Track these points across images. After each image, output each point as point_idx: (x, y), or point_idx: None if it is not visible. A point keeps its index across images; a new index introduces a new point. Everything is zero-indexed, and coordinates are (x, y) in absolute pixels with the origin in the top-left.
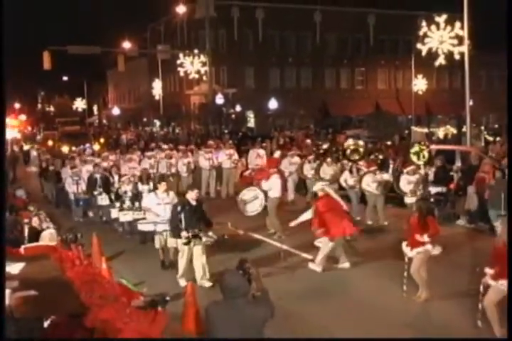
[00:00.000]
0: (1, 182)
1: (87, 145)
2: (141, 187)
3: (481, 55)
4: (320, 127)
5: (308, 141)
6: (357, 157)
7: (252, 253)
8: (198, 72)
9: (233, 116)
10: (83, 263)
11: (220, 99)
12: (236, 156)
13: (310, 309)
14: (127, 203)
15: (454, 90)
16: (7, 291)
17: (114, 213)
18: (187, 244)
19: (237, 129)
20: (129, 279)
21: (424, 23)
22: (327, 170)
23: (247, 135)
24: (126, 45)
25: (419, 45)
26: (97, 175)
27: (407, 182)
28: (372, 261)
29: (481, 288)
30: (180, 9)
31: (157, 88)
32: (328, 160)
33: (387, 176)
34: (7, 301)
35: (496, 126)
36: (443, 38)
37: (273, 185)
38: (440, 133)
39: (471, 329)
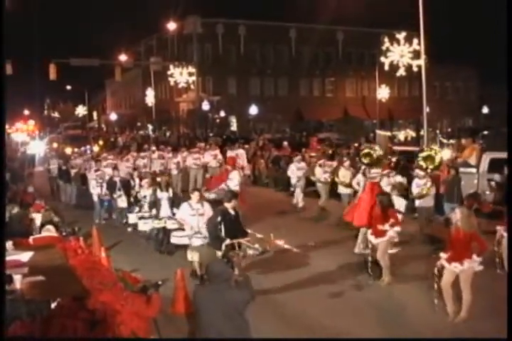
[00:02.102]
0: (1, 182)
1: (88, 146)
2: (160, 194)
3: (436, 67)
4: (295, 131)
5: (286, 143)
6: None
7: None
8: (187, 81)
9: (218, 120)
10: (84, 252)
11: (206, 106)
12: (220, 156)
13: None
14: (145, 209)
15: (412, 98)
16: (18, 276)
17: (132, 218)
18: (231, 248)
19: (221, 132)
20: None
21: (386, 39)
22: (345, 174)
23: (230, 137)
24: (123, 57)
25: (382, 58)
26: (117, 179)
27: (416, 186)
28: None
29: (436, 270)
30: (171, 26)
31: (150, 96)
32: (346, 163)
33: (400, 179)
34: (18, 285)
35: (449, 129)
36: (403, 52)
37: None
38: (401, 135)
39: (428, 307)
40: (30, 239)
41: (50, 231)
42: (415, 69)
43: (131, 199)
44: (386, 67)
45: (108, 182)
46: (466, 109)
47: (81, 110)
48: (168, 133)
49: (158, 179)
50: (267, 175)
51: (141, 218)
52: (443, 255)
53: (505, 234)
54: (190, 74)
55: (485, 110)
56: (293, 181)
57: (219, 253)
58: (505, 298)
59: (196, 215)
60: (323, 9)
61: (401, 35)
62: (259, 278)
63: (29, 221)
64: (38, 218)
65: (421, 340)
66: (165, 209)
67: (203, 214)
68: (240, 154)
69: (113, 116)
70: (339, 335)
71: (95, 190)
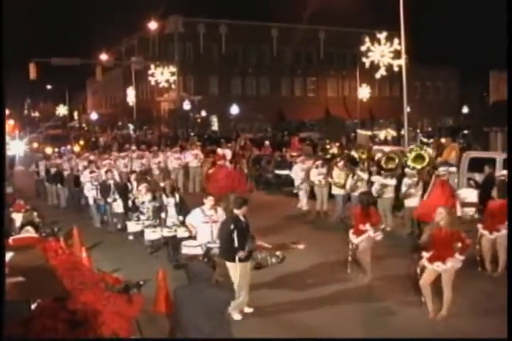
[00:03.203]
0: (1, 181)
1: (68, 146)
2: (165, 199)
3: (416, 68)
4: (276, 130)
5: (267, 142)
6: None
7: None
8: (168, 81)
9: (199, 120)
10: (65, 252)
11: (187, 105)
12: (201, 156)
13: None
14: (145, 216)
15: (393, 98)
16: None
17: (132, 227)
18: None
19: (203, 132)
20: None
21: (367, 39)
22: (339, 174)
23: (211, 137)
24: (104, 57)
25: (363, 58)
26: (111, 181)
27: (404, 185)
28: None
29: (418, 269)
30: (152, 25)
31: (131, 95)
32: (341, 164)
33: (391, 180)
34: None
35: (430, 129)
36: (384, 52)
37: None
38: (382, 135)
39: (409, 305)
40: (10, 240)
41: (29, 232)
42: (396, 69)
43: (130, 204)
44: (367, 67)
45: (101, 185)
46: (447, 108)
47: (62, 110)
48: (148, 133)
49: (162, 184)
50: (249, 175)
51: (148, 226)
52: (425, 254)
53: (484, 232)
54: (172, 73)
55: (465, 110)
56: (296, 183)
57: (230, 265)
58: (486, 295)
59: (210, 222)
60: (305, 9)
61: (382, 35)
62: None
63: (9, 221)
64: (18, 218)
65: (420, 340)
66: (172, 216)
67: (217, 221)
68: (226, 154)
69: (94, 116)
70: (318, 332)
71: (90, 192)
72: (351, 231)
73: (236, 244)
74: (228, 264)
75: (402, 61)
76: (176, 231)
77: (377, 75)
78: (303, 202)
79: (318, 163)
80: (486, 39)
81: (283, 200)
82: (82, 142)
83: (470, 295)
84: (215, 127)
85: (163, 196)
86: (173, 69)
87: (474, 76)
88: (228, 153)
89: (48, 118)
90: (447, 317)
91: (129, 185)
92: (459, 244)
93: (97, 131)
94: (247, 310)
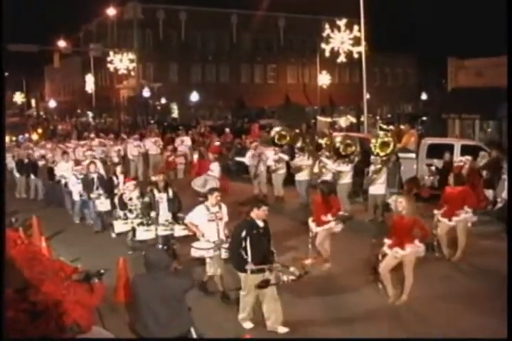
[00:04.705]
0: (1, 180)
1: (26, 135)
2: (158, 195)
3: (376, 54)
4: (237, 117)
5: (227, 130)
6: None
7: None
8: (127, 68)
9: (159, 107)
10: (24, 242)
11: (146, 93)
12: (161, 143)
13: None
14: (134, 213)
15: (353, 84)
16: None
17: (119, 226)
18: (263, 286)
19: (163, 119)
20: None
21: (327, 26)
22: (302, 159)
23: (171, 124)
24: (61, 43)
25: (323, 45)
26: (94, 175)
27: (370, 172)
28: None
29: (380, 256)
30: (111, 11)
31: (89, 83)
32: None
33: (346, 167)
34: None
35: (389, 115)
36: (343, 39)
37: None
38: (342, 122)
39: (370, 290)
40: None
41: None
42: (356, 55)
43: (116, 201)
44: (327, 54)
45: (83, 180)
46: (406, 95)
47: (19, 97)
48: (108, 121)
49: (154, 178)
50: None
51: (139, 224)
52: (386, 241)
53: (443, 220)
54: (131, 60)
55: (424, 96)
56: (250, 169)
57: (243, 276)
58: (444, 279)
59: (215, 220)
60: None
61: (342, 22)
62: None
63: None
64: None
65: (419, 340)
66: (164, 213)
67: (222, 219)
68: (185, 141)
69: (52, 104)
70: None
71: (75, 187)
72: (311, 219)
73: (248, 253)
74: (239, 274)
75: (361, 48)
76: (173, 230)
77: (338, 61)
78: (261, 188)
79: (275, 148)
80: (443, 26)
81: (241, 187)
82: (40, 130)
83: (428, 280)
84: (175, 114)
85: (155, 191)
86: (132, 56)
87: (432, 63)
88: (188, 141)
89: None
90: (407, 301)
91: (114, 179)
92: (419, 231)
93: (55, 119)
94: (247, 325)
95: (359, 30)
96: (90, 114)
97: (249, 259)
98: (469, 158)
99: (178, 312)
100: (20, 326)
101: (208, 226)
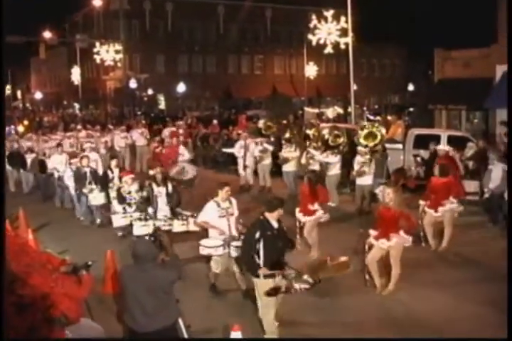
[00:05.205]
0: (1, 179)
1: (12, 127)
2: (156, 189)
3: (363, 45)
4: (224, 108)
5: (215, 121)
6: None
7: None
8: (113, 59)
9: (145, 98)
10: (11, 235)
11: (133, 84)
12: (147, 134)
13: None
14: (132, 208)
15: (340, 75)
16: None
17: (118, 220)
18: (272, 294)
19: (149, 111)
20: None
21: (314, 17)
22: (290, 149)
23: (158, 116)
24: (47, 34)
25: (310, 36)
26: (86, 169)
27: (356, 163)
28: None
29: (366, 247)
30: (97, 2)
31: (76, 74)
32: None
33: (334, 158)
34: None
35: (376, 106)
36: (330, 30)
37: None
38: (329, 113)
39: (357, 280)
40: None
41: None
42: (343, 46)
43: (111, 195)
44: (314, 45)
45: (76, 174)
46: (393, 86)
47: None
48: (95, 112)
49: (152, 172)
50: (196, 154)
51: (136, 219)
52: (372, 232)
53: (429, 211)
54: (117, 51)
55: (410, 87)
56: (238, 160)
57: (257, 281)
58: (430, 269)
59: (226, 216)
60: None
61: (329, 13)
62: None
63: None
64: None
65: (421, 340)
66: (163, 208)
67: (233, 214)
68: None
69: (38, 95)
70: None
71: (71, 180)
72: (298, 209)
73: (261, 257)
74: (252, 278)
75: (348, 39)
76: (172, 225)
77: (325, 52)
78: (247, 178)
79: (261, 139)
80: (431, 17)
81: (229, 178)
82: (26, 122)
83: (415, 270)
84: (161, 106)
85: (154, 185)
86: (118, 47)
87: (419, 54)
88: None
89: None
90: (394, 291)
91: (109, 173)
92: (405, 223)
93: (41, 110)
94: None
95: (346, 21)
96: (77, 105)
97: (262, 263)
98: (446, 147)
99: (166, 304)
100: (8, 319)
101: (218, 222)
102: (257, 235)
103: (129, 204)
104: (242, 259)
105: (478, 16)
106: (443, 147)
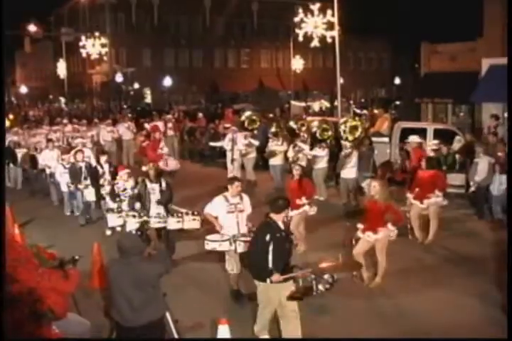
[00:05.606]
0: (1, 179)
1: None
2: (149, 185)
3: (349, 39)
4: (210, 102)
5: (201, 114)
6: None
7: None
8: (99, 53)
9: (132, 92)
10: None
11: (119, 78)
12: (134, 128)
13: None
14: (124, 204)
15: (326, 69)
16: None
17: (113, 220)
18: (298, 298)
19: (136, 105)
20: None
21: (300, 10)
22: (277, 143)
23: (144, 109)
24: (32, 28)
25: (296, 30)
26: (82, 164)
27: (341, 157)
28: None
29: (353, 241)
30: None
31: (61, 68)
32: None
33: (322, 151)
34: None
35: (363, 100)
36: (317, 23)
37: None
38: (315, 106)
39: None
40: None
41: None
42: (329, 40)
43: (103, 191)
44: (300, 38)
45: (70, 169)
46: (379, 79)
47: None
48: (81, 106)
49: (145, 168)
50: (182, 147)
51: (131, 216)
52: (359, 225)
53: (415, 202)
54: (103, 45)
55: (397, 81)
56: (227, 154)
57: (263, 286)
58: (417, 262)
59: (235, 212)
60: None
61: (315, 7)
62: None
63: None
64: None
65: (421, 340)
66: (156, 205)
67: (243, 211)
68: (159, 126)
69: (23, 89)
70: None
71: (63, 177)
72: None
73: (270, 261)
74: (257, 283)
75: (335, 32)
76: (166, 222)
77: (312, 45)
78: (236, 172)
79: (246, 133)
80: (417, 11)
81: (217, 172)
82: (11, 116)
83: (401, 263)
84: (148, 99)
85: (147, 181)
86: (104, 40)
87: (406, 47)
88: (160, 126)
89: None
90: (381, 284)
91: (99, 168)
92: (392, 216)
93: (27, 104)
94: (264, 336)
95: (332, 15)
96: (63, 99)
97: (272, 267)
98: (417, 138)
99: (153, 298)
100: None
101: (226, 218)
102: (267, 238)
103: (122, 201)
104: (251, 265)
105: (465, 10)
106: (414, 139)
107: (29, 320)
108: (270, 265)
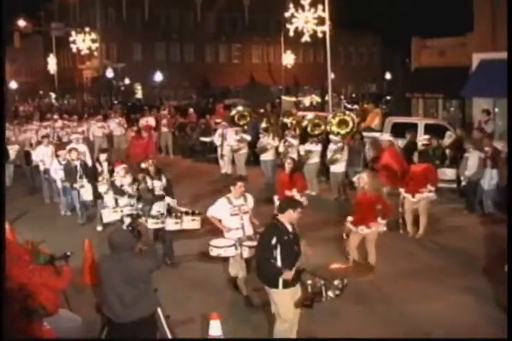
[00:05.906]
0: (1, 178)
1: None
2: (150, 182)
3: (340, 34)
4: (201, 97)
5: (191, 110)
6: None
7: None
8: (90, 48)
9: (122, 88)
10: None
11: (110, 73)
12: (124, 123)
13: None
14: (124, 202)
15: (317, 64)
16: None
17: (108, 215)
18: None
19: (127, 100)
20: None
21: (291, 5)
22: (267, 141)
23: (135, 105)
24: (22, 23)
25: (287, 25)
26: (76, 163)
27: (329, 151)
28: None
29: (344, 234)
30: None
31: (52, 63)
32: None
33: (315, 146)
34: None
35: (354, 95)
36: (308, 18)
37: None
38: (306, 101)
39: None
40: None
41: None
42: (320, 35)
43: (103, 190)
44: (291, 33)
45: (65, 168)
46: (370, 74)
47: None
48: (71, 102)
49: (144, 165)
50: (174, 143)
51: (128, 216)
52: (350, 218)
53: (407, 196)
54: (93, 40)
55: (388, 76)
56: (218, 149)
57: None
58: (408, 256)
59: (240, 214)
60: None
61: (306, 2)
62: None
63: None
64: None
65: (421, 340)
66: (157, 204)
67: (248, 212)
68: (150, 121)
69: (13, 85)
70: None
71: (58, 174)
72: (276, 197)
73: (279, 263)
74: (269, 290)
75: (326, 27)
76: (164, 223)
77: (302, 40)
78: (227, 167)
79: (237, 128)
80: (408, 5)
81: (208, 167)
82: None
83: (392, 257)
84: (139, 95)
85: (148, 179)
86: (94, 36)
87: (396, 42)
88: (152, 121)
89: None
90: (373, 280)
91: (98, 166)
92: (381, 208)
93: (16, 100)
94: None
95: (323, 10)
96: (53, 95)
97: (282, 269)
98: (388, 137)
99: (144, 294)
100: None
101: (230, 220)
102: (274, 241)
103: (122, 195)
104: (258, 268)
105: (455, 5)
106: (385, 137)
107: (20, 316)
108: (278, 266)
